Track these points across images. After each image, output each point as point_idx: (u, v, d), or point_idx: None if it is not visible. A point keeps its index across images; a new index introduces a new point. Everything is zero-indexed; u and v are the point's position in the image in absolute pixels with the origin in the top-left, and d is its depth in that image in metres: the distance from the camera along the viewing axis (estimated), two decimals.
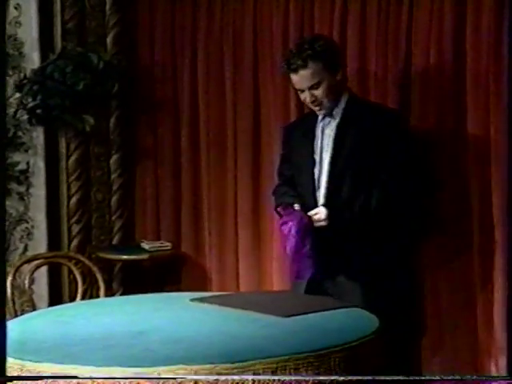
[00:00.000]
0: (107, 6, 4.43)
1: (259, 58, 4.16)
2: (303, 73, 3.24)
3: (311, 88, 3.26)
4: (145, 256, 4.35)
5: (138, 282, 4.55)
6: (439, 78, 3.64)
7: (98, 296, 3.87)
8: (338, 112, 3.32)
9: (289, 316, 2.81)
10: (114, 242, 4.57)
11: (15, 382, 2.40)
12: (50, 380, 2.34)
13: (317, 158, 3.31)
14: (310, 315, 2.84)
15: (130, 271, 4.55)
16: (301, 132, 3.40)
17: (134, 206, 4.60)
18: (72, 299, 4.16)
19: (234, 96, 4.23)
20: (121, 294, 4.47)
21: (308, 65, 3.23)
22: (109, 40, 4.45)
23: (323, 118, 3.35)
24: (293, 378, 2.41)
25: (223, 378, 2.33)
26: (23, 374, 2.38)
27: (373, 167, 3.22)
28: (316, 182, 3.31)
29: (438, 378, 2.59)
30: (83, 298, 3.94)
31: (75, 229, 4.42)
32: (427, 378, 2.42)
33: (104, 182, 4.52)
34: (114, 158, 4.53)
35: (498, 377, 3.15)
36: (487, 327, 3.55)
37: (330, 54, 3.29)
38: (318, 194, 3.30)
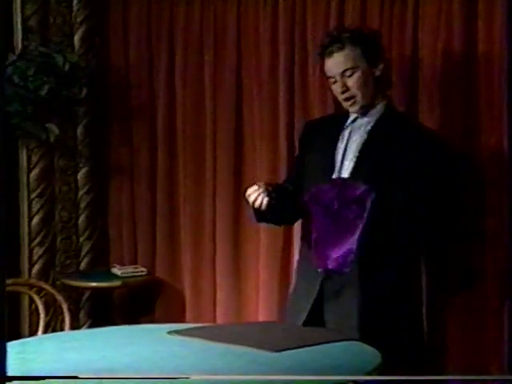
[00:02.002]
0: (74, 1, 4.44)
1: (243, 60, 4.18)
2: (338, 56, 3.29)
3: (344, 75, 3.29)
4: (117, 283, 4.35)
5: (109, 312, 4.54)
6: (448, 76, 3.68)
7: (62, 329, 3.85)
8: (371, 119, 3.33)
9: (279, 351, 2.80)
10: (82, 267, 4.56)
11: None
12: None
13: (337, 164, 3.31)
14: (303, 349, 2.84)
15: (100, 300, 4.54)
16: (324, 134, 3.40)
17: (105, 226, 4.60)
18: (33, 333, 4.14)
19: (214, 102, 4.25)
20: (89, 327, 4.46)
21: (345, 47, 3.29)
22: (76, 39, 4.46)
23: (353, 121, 3.34)
24: (291, 377, 2.43)
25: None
26: None
27: (395, 188, 3.21)
28: None
29: (438, 378, 2.63)
30: (46, 332, 3.92)
31: (37, 252, 4.41)
32: (428, 378, 2.46)
33: (70, 199, 4.51)
34: (82, 171, 4.52)
35: (498, 378, 3.19)
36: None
37: (371, 43, 3.34)
38: None
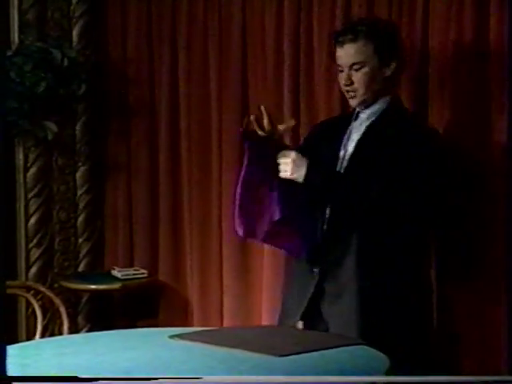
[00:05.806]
0: None
1: (249, 54, 4.19)
2: (349, 46, 3.32)
3: (352, 68, 3.32)
4: (116, 285, 4.36)
5: (109, 315, 4.55)
6: (459, 72, 3.67)
7: (61, 333, 3.87)
8: (371, 115, 3.37)
9: (283, 355, 2.81)
10: (80, 268, 4.58)
11: None
12: None
13: (339, 161, 3.37)
14: (307, 354, 2.84)
15: (99, 303, 4.56)
16: (330, 134, 3.46)
17: (104, 226, 4.62)
18: (30, 337, 4.16)
19: (219, 100, 4.26)
20: (88, 331, 4.48)
21: (358, 40, 3.31)
22: (74, 33, 4.48)
23: (356, 117, 3.39)
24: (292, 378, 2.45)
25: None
26: None
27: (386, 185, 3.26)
28: None
29: (439, 378, 2.66)
30: (43, 336, 3.94)
31: (34, 254, 4.43)
32: (429, 378, 2.49)
33: (69, 199, 4.53)
34: (81, 170, 4.55)
35: (498, 379, 3.21)
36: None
37: (387, 40, 3.35)
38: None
